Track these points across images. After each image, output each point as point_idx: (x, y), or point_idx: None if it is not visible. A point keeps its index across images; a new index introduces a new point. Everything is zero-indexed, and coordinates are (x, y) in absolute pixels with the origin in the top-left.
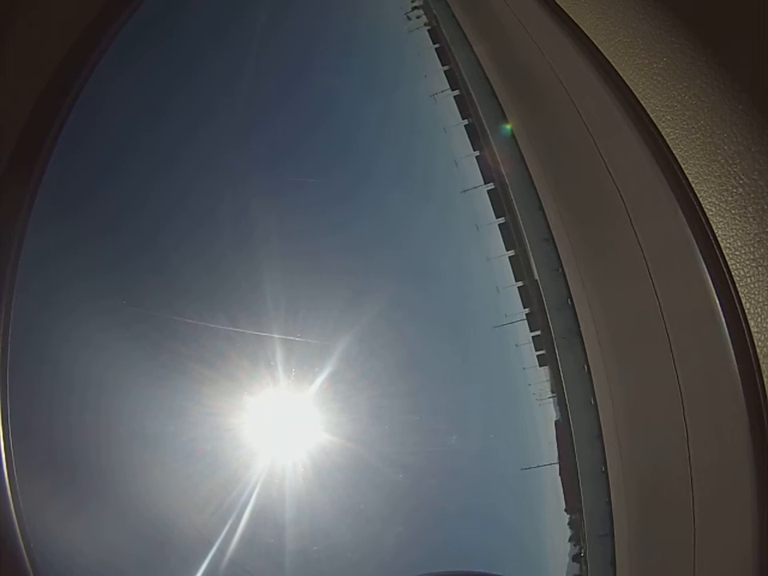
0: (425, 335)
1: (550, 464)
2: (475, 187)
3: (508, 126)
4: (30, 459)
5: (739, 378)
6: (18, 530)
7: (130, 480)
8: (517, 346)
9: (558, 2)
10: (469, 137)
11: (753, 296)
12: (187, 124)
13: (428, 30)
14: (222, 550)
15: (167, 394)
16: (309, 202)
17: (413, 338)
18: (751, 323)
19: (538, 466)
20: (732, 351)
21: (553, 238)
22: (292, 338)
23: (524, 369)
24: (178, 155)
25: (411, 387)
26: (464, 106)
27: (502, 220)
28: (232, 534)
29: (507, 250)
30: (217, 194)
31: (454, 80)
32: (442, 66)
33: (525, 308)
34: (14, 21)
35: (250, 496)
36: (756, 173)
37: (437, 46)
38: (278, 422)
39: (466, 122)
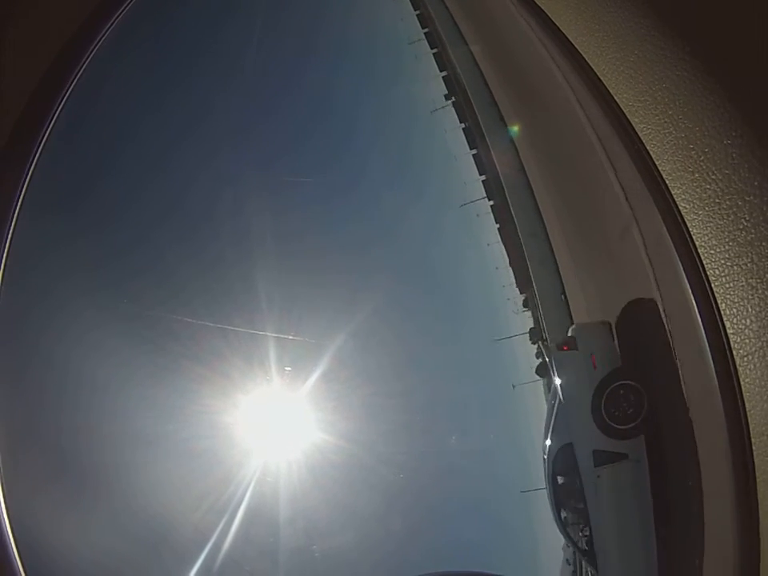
0: (420, 333)
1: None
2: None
3: (514, 129)
4: (20, 459)
5: (716, 379)
6: (8, 531)
7: (122, 479)
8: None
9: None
10: (458, 113)
11: (728, 296)
12: (183, 121)
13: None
14: (216, 549)
15: (160, 392)
16: (304, 201)
17: (408, 336)
18: (727, 324)
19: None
20: (709, 353)
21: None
22: (286, 336)
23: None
24: (173, 153)
25: (407, 385)
26: (451, 84)
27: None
28: (226, 533)
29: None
30: (212, 192)
31: (442, 63)
32: (432, 48)
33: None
34: (10, 17)
35: (243, 495)
36: (729, 167)
37: (426, 30)
38: (273, 420)
39: (453, 99)
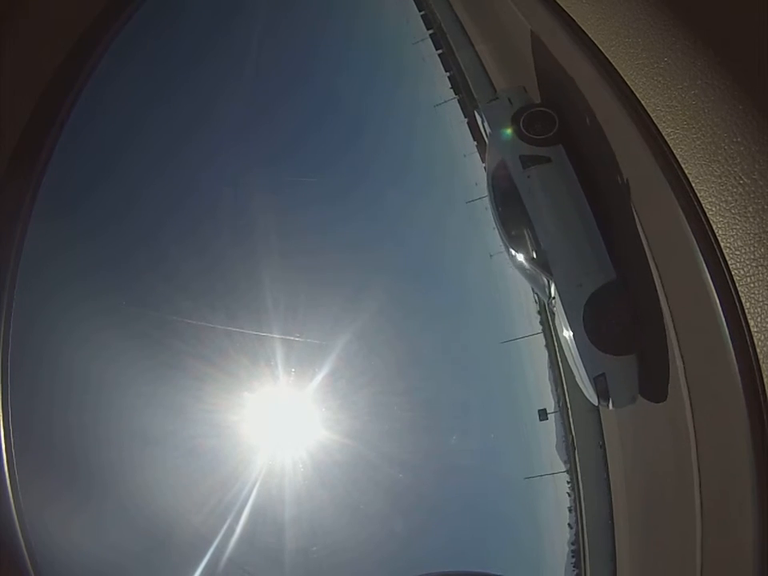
0: (423, 333)
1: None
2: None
3: (509, 131)
4: (30, 458)
5: (739, 377)
6: (18, 529)
7: (129, 478)
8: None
9: (560, 3)
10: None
11: (753, 295)
12: (187, 123)
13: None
14: (221, 548)
15: (167, 391)
16: (307, 200)
17: (411, 335)
18: (751, 322)
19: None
20: (732, 350)
21: None
22: (291, 336)
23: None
24: (177, 154)
25: (410, 384)
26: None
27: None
28: (231, 531)
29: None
30: (216, 192)
31: (450, 69)
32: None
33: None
34: (14, 21)
35: (249, 493)
36: (756, 173)
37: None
38: (278, 419)
39: (465, 119)
